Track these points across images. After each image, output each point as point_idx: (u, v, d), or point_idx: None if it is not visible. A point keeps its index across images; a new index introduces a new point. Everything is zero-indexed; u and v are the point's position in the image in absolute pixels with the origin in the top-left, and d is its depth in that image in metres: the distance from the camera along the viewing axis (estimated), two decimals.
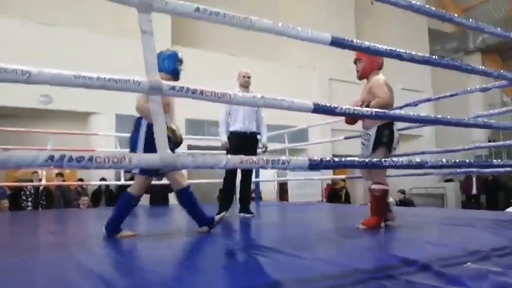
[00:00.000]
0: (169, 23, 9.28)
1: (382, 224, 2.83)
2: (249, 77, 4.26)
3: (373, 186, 2.87)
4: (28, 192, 7.08)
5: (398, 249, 1.93)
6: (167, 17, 9.17)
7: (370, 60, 3.02)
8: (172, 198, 7.69)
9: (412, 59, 1.91)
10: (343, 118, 5.58)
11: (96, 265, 1.79)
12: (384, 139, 2.87)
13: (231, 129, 4.23)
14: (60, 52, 7.83)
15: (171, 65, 2.91)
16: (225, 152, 4.14)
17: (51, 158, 1.29)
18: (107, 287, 1.41)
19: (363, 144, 2.99)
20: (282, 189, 10.18)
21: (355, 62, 3.16)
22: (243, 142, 4.12)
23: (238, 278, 1.57)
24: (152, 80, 1.50)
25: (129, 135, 2.90)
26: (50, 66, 1.36)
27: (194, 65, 9.36)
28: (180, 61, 3.01)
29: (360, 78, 3.15)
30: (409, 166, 1.86)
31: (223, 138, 4.25)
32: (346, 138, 5.70)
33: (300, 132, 8.05)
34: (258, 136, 4.39)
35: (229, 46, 10.55)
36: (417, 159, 1.91)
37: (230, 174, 4.25)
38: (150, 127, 2.59)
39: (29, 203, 7.06)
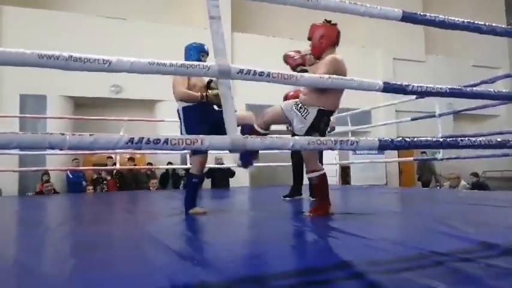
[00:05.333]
0: (229, 10, 9.37)
1: (332, 210, 2.72)
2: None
3: (310, 175, 2.78)
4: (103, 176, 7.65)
5: (474, 233, 1.84)
6: (227, 5, 9.26)
7: (318, 38, 2.68)
8: (232, 181, 7.91)
9: (493, 32, 1.77)
10: (409, 98, 5.33)
11: (170, 241, 1.90)
12: (322, 125, 2.70)
13: None
14: (129, 43, 8.27)
15: (194, 56, 3.17)
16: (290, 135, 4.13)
17: (131, 140, 1.38)
18: (180, 261, 1.49)
19: (296, 114, 2.73)
20: (344, 173, 10.00)
21: (309, 39, 2.80)
22: None
23: (308, 257, 1.59)
24: (221, 64, 1.54)
25: None
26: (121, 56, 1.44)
27: (255, 51, 9.47)
28: (206, 53, 3.24)
29: (314, 58, 2.84)
30: (488, 146, 1.74)
31: None
32: (412, 119, 5.45)
33: (363, 114, 7.80)
34: None
35: (288, 31, 10.44)
36: (498, 138, 1.78)
37: (294, 157, 4.24)
38: (185, 111, 3.15)
39: (104, 186, 7.63)
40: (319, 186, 2.78)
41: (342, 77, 1.62)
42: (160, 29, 9.00)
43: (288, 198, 4.13)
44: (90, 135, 1.36)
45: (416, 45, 11.73)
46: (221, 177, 7.68)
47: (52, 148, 1.33)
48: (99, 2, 9.33)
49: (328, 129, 4.31)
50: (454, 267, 1.28)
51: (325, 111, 2.68)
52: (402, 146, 1.62)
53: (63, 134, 1.29)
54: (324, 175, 2.79)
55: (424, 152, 8.99)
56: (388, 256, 1.50)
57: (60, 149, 1.34)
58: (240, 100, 8.93)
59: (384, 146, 1.61)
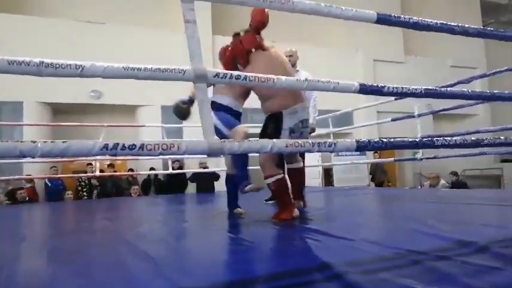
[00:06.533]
0: (209, 13, 9.35)
1: (296, 213, 2.64)
2: (290, 56, 4.10)
3: (267, 181, 2.66)
4: (83, 183, 7.52)
5: (452, 232, 1.86)
6: (207, 8, 9.23)
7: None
8: (217, 185, 7.86)
9: (466, 33, 1.80)
10: (389, 99, 5.40)
11: (150, 248, 1.87)
12: (269, 130, 2.64)
13: None
14: (108, 48, 8.17)
15: None
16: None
17: (106, 146, 1.36)
18: (159, 269, 1.47)
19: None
20: (327, 174, 10.07)
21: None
22: None
23: (288, 260, 1.58)
24: (197, 67, 1.53)
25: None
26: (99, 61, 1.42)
27: None
28: None
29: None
30: (463, 145, 1.77)
31: None
32: (393, 120, 5.52)
33: (345, 116, 7.87)
34: None
35: (269, 33, 10.49)
36: (472, 137, 1.82)
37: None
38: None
39: (85, 193, 7.50)
40: (278, 191, 2.66)
41: (319, 79, 1.63)
42: (141, 32, 8.92)
43: (270, 202, 4.12)
44: (63, 142, 1.33)
45: (395, 47, 11.93)
46: (206, 181, 7.64)
47: (24, 156, 1.29)
48: (77, 7, 9.19)
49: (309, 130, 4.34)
50: (431, 266, 1.29)
51: (273, 115, 2.70)
52: (379, 147, 1.64)
53: (34, 142, 1.26)
54: (282, 179, 2.66)
55: (376, 153, 9.20)
56: (368, 256, 1.51)
57: (32, 157, 1.30)
58: None
59: (361, 147, 1.62)
